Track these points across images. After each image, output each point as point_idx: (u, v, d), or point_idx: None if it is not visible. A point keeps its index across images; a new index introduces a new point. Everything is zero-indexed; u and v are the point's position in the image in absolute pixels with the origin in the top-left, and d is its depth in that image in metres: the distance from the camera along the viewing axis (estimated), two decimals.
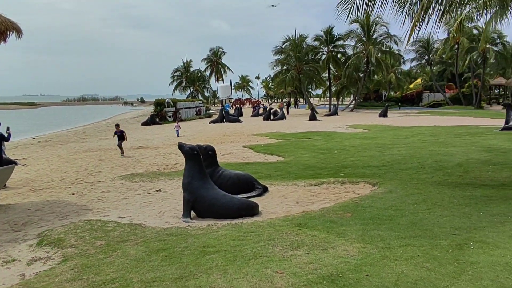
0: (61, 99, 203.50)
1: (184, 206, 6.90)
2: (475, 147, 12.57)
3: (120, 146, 15.69)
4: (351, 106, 46.43)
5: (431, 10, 8.78)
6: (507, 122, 17.68)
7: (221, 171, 8.66)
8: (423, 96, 57.28)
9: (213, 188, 6.98)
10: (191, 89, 65.83)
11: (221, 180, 8.49)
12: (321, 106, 56.05)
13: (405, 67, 62.31)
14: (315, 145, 15.88)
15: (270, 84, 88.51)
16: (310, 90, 67.00)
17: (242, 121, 33.45)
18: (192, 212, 6.91)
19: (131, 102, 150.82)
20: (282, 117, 34.18)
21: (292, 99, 71.33)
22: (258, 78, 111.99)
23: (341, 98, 57.08)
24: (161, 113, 39.01)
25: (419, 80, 62.99)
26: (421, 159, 11.05)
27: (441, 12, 8.53)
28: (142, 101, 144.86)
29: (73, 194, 9.21)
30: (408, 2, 8.10)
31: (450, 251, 4.47)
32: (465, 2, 19.72)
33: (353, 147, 14.64)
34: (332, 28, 41.96)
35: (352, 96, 48.82)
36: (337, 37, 42.70)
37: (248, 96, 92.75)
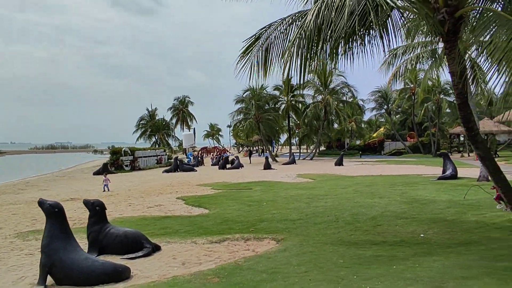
0: (29, 147, 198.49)
1: (40, 272, 6.14)
2: (400, 198, 12.32)
3: None
4: (311, 154, 46.51)
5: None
6: (444, 171, 17.69)
7: (108, 228, 7.97)
8: (385, 144, 58.28)
9: (75, 251, 6.27)
10: (156, 138, 65.17)
11: (108, 239, 7.83)
12: (287, 154, 56.17)
13: (367, 116, 63.88)
14: (249, 196, 15.43)
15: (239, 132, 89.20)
16: (278, 139, 67.46)
17: (196, 170, 32.84)
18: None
19: (101, 150, 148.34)
20: (238, 166, 33.73)
21: (260, 148, 71.58)
22: (229, 126, 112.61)
23: (306, 146, 57.58)
24: (116, 162, 38.02)
25: (382, 129, 64.39)
26: (340, 212, 10.66)
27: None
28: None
29: None
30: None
31: None
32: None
33: (285, 199, 14.24)
34: (291, 78, 42.73)
35: (316, 144, 49.12)
36: (296, 86, 43.48)
37: (216, 144, 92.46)
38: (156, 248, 8.00)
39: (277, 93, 44.51)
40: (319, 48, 6.61)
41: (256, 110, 40.81)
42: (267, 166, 30.94)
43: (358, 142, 62.13)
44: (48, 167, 50.36)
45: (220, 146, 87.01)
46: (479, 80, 19.31)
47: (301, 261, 6.48)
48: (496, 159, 29.01)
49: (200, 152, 61.48)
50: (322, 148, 62.41)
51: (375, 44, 8.32)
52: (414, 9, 7.08)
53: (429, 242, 7.12)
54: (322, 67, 9.72)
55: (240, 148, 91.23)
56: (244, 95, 44.39)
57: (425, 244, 7.04)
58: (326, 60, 7.14)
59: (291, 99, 44.17)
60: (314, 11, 6.03)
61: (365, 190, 14.97)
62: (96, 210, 7.96)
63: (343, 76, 41.29)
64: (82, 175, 35.14)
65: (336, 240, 7.88)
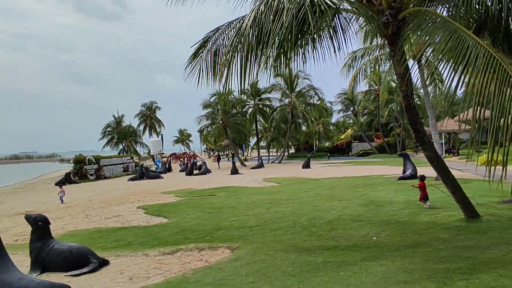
0: None
1: None
2: (358, 200, 12.39)
3: None
4: (280, 158, 46.62)
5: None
6: (404, 171, 17.97)
7: (52, 244, 7.60)
8: (353, 145, 59.13)
9: (8, 271, 5.89)
10: (123, 145, 63.87)
11: (51, 256, 7.46)
12: (263, 157, 55.80)
13: (334, 118, 64.67)
14: (211, 203, 15.21)
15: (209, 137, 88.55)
16: (248, 143, 67.31)
17: (163, 178, 32.28)
18: None
19: (68, 159, 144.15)
20: (206, 172, 33.40)
21: (231, 152, 71.30)
22: (201, 131, 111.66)
23: (275, 149, 57.70)
24: (80, 171, 36.98)
25: (350, 131, 65.29)
26: (298, 217, 10.60)
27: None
28: None
29: None
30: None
31: None
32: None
33: (246, 204, 14.11)
34: (257, 81, 42.84)
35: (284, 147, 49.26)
36: (263, 90, 43.55)
37: (186, 150, 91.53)
38: (103, 263, 7.67)
39: (244, 97, 44.43)
40: (259, 52, 6.50)
41: (223, 115, 40.60)
42: (234, 171, 30.75)
43: (327, 144, 62.80)
44: (9, 179, 48.42)
45: (189, 151, 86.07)
46: (436, 80, 19.80)
47: (250, 271, 6.34)
48: (457, 157, 29.76)
49: (168, 159, 60.61)
50: (292, 150, 62.79)
51: (328, 47, 8.31)
52: (360, 11, 7.08)
53: (380, 245, 7.11)
54: (270, 71, 9.63)
55: (211, 153, 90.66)
56: (211, 100, 44.12)
57: (376, 247, 7.03)
58: (270, 65, 7.05)
59: (258, 102, 44.19)
60: (250, 16, 5.93)
61: (326, 193, 15.01)
62: (39, 225, 7.59)
63: (308, 79, 41.64)
64: (44, 186, 33.95)
65: (289, 246, 7.78)
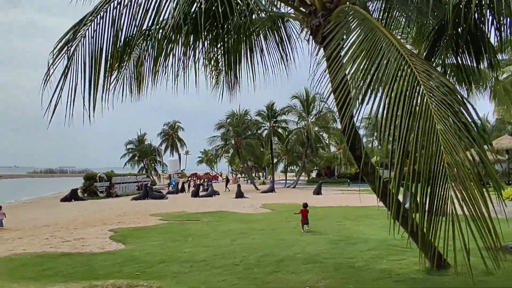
0: (28, 171, 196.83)
1: None
2: (333, 235, 11.03)
3: None
4: (295, 182, 44.88)
5: None
6: None
7: None
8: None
9: None
10: (144, 163, 64.02)
11: None
12: (281, 181, 54.28)
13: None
14: (186, 230, 14.21)
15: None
16: (268, 165, 65.93)
17: (167, 198, 31.51)
18: None
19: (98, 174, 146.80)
20: (212, 194, 32.36)
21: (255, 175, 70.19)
22: (205, 153, 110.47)
23: (295, 173, 56.03)
24: (90, 188, 36.80)
25: (375, 157, 62.73)
26: (251, 253, 9.34)
27: None
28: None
29: None
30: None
31: None
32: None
33: (219, 233, 13.06)
34: (274, 103, 41.92)
35: (300, 172, 47.58)
36: (279, 112, 42.43)
37: (209, 170, 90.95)
38: None
39: (259, 118, 43.47)
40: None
41: (236, 136, 39.66)
42: (239, 195, 29.54)
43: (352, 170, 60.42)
44: (27, 193, 49.01)
45: (213, 172, 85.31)
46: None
47: None
48: None
49: (189, 179, 59.94)
50: (313, 175, 60.83)
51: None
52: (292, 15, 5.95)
53: None
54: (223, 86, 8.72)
55: (235, 175, 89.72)
56: (227, 121, 43.30)
57: None
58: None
59: (274, 124, 43.04)
60: None
61: (310, 224, 13.63)
62: None
63: (324, 102, 40.13)
64: (52, 201, 33.91)
65: None
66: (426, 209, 4.15)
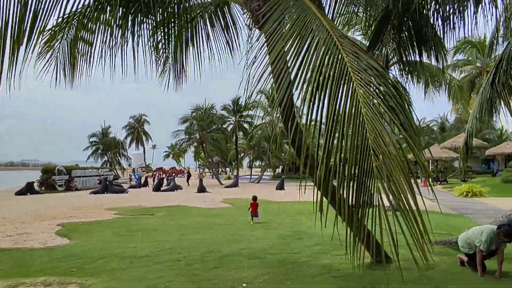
0: None
1: None
2: (284, 230, 10.92)
3: None
4: (259, 178, 44.75)
5: None
6: None
7: None
8: None
9: None
10: (108, 156, 62.43)
11: None
12: (247, 176, 53.93)
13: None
14: (138, 224, 13.81)
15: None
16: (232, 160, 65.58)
17: (127, 192, 30.74)
18: None
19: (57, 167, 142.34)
20: (173, 188, 31.83)
21: (222, 169, 69.70)
22: (172, 147, 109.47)
23: (260, 168, 55.91)
24: (47, 181, 35.43)
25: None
26: (197, 249, 9.04)
27: None
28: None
29: None
30: None
31: None
32: None
33: (173, 227, 12.82)
34: (239, 98, 41.55)
35: (264, 167, 47.46)
36: (248, 106, 42.07)
37: (175, 165, 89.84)
38: None
39: (225, 113, 43.03)
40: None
41: (200, 130, 39.08)
42: (201, 189, 29.15)
43: None
44: None
45: (178, 167, 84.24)
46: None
47: None
48: (441, 186, 27.60)
49: (154, 173, 58.76)
50: (279, 170, 60.92)
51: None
52: None
53: None
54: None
55: (202, 170, 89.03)
56: (192, 115, 42.60)
57: None
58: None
59: (240, 119, 42.72)
60: None
61: (262, 219, 13.48)
62: None
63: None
64: (6, 195, 32.41)
65: None
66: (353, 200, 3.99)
